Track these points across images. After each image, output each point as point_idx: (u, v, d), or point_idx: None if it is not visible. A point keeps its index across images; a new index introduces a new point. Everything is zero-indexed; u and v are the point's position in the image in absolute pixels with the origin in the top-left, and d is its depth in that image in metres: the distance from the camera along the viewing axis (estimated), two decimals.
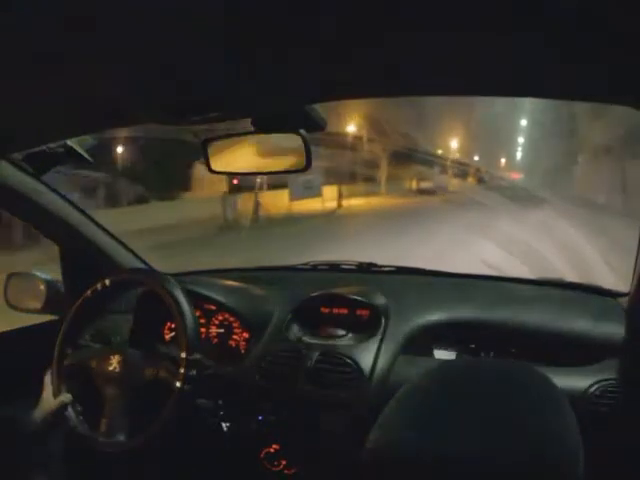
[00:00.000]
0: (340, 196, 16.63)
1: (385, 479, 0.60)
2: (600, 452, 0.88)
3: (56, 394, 1.29)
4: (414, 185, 22.30)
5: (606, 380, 1.17)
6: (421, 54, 0.63)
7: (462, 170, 23.34)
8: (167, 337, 1.54)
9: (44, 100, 0.69)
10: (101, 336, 1.39)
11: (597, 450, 0.75)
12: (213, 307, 1.53)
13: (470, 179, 23.12)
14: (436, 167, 23.11)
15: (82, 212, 1.56)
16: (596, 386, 1.16)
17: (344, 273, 1.71)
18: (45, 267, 1.69)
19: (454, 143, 25.36)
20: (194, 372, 1.24)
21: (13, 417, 1.24)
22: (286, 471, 1.36)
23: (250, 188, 13.54)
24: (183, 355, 1.24)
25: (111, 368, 1.29)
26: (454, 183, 21.91)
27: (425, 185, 21.50)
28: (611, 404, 1.15)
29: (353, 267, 1.70)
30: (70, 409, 1.30)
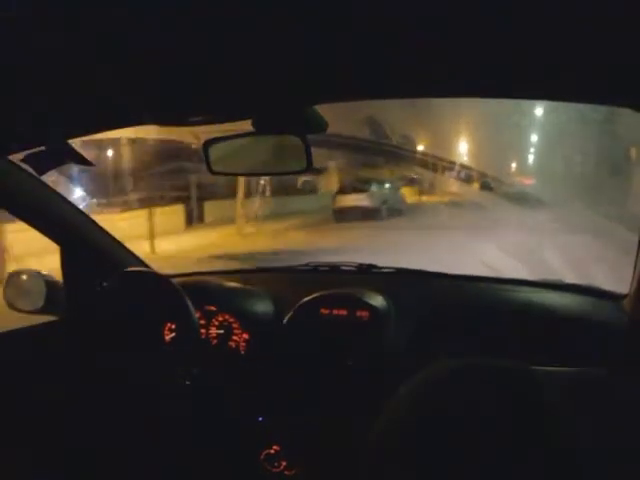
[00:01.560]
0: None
1: (385, 479, 0.60)
2: (600, 452, 0.88)
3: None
4: (340, 202, 12.66)
5: (606, 380, 1.17)
6: (421, 55, 0.63)
7: (466, 175, 18.94)
8: (167, 337, 1.54)
9: (44, 100, 0.69)
10: (101, 337, 1.39)
11: (598, 450, 0.75)
12: (213, 308, 1.53)
13: (474, 185, 18.65)
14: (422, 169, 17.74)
15: (82, 212, 1.56)
16: (596, 386, 1.16)
17: (344, 274, 1.70)
18: None
19: (461, 145, 21.71)
20: (189, 383, 1.23)
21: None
22: (286, 472, 1.36)
23: None
24: (182, 367, 1.23)
25: (111, 368, 1.29)
26: (451, 190, 16.48)
27: (350, 203, 12.34)
28: (611, 404, 1.15)
29: (353, 268, 1.70)
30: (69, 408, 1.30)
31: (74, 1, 0.47)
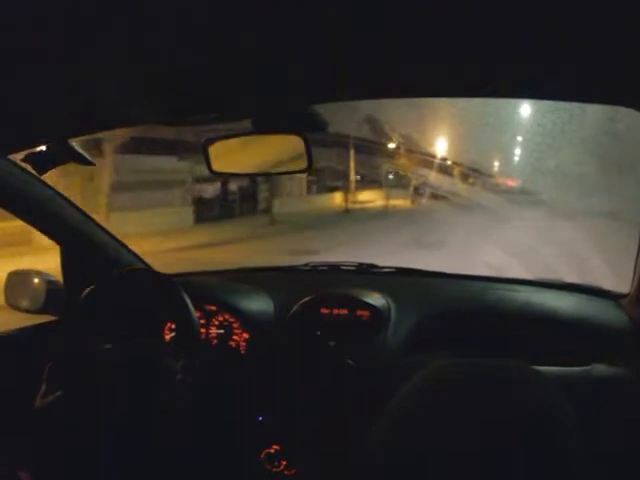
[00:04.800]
0: None
1: (386, 479, 0.60)
2: (601, 451, 0.88)
3: (54, 389, 1.29)
4: None
5: (606, 380, 1.17)
6: (421, 54, 0.62)
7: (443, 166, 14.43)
8: (167, 337, 1.54)
9: (44, 100, 0.69)
10: (101, 336, 1.39)
11: (598, 449, 0.75)
12: (213, 308, 1.53)
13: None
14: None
15: (82, 212, 1.56)
16: (596, 385, 1.16)
17: (344, 274, 1.71)
18: None
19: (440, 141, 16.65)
20: (191, 379, 1.23)
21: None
22: (286, 472, 1.36)
23: None
24: (182, 362, 1.23)
25: (111, 368, 1.29)
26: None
27: None
28: (611, 404, 1.15)
29: (353, 268, 1.70)
30: (66, 404, 1.30)
31: (74, 1, 0.47)
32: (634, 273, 1.24)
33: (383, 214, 14.01)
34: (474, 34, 0.55)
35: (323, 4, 0.49)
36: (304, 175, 14.20)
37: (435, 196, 13.98)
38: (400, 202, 16.90)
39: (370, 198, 18.16)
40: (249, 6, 0.49)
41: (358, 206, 16.61)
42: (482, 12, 0.50)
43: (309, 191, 18.50)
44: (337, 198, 18.07)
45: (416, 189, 16.58)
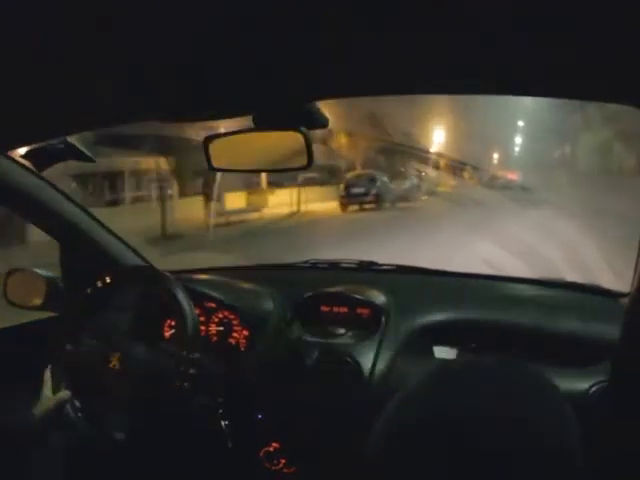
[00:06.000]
0: None
1: (385, 479, 0.60)
2: (600, 452, 0.88)
3: (55, 391, 1.29)
4: None
5: (606, 381, 1.17)
6: (421, 53, 0.62)
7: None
8: (167, 334, 1.54)
9: (44, 99, 0.69)
10: (101, 333, 1.39)
11: (597, 450, 0.75)
12: (213, 305, 1.53)
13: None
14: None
15: (82, 209, 1.56)
16: (596, 387, 1.16)
17: (344, 271, 1.70)
18: None
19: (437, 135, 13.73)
20: (194, 370, 1.23)
21: (11, 418, 1.23)
22: (285, 470, 1.36)
23: None
24: (183, 353, 1.23)
25: (111, 365, 1.29)
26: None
27: None
28: (611, 404, 1.15)
29: (353, 266, 1.70)
30: (69, 406, 1.30)
31: (74, 1, 0.47)
32: (635, 272, 1.23)
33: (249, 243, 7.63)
34: (475, 32, 0.55)
35: (323, 3, 0.49)
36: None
37: (387, 200, 9.91)
38: (326, 207, 11.76)
39: (282, 200, 12.33)
40: (249, 6, 0.49)
41: (222, 219, 10.03)
42: (483, 10, 0.50)
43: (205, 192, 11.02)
44: (234, 201, 11.74)
45: (349, 187, 11.00)
